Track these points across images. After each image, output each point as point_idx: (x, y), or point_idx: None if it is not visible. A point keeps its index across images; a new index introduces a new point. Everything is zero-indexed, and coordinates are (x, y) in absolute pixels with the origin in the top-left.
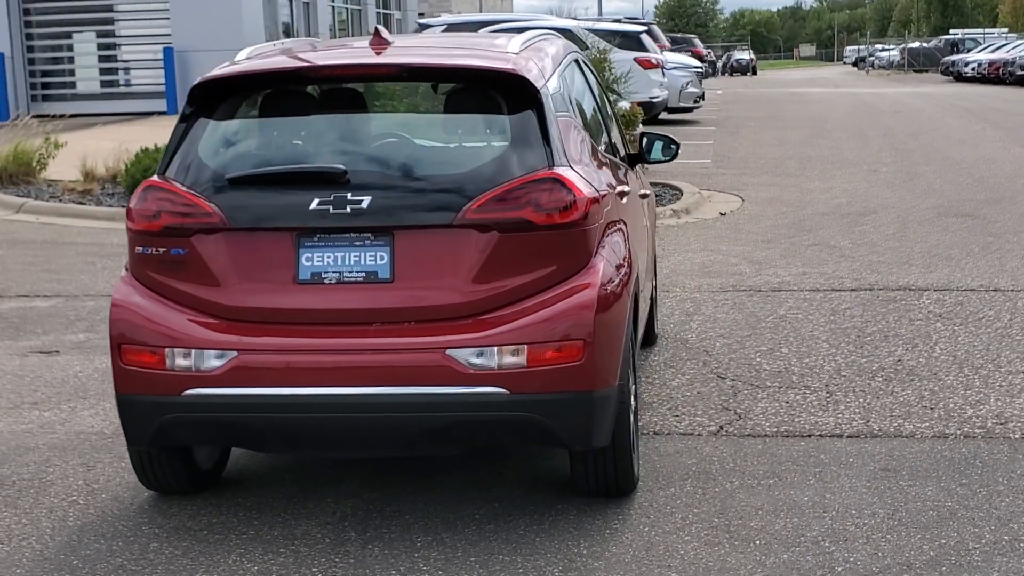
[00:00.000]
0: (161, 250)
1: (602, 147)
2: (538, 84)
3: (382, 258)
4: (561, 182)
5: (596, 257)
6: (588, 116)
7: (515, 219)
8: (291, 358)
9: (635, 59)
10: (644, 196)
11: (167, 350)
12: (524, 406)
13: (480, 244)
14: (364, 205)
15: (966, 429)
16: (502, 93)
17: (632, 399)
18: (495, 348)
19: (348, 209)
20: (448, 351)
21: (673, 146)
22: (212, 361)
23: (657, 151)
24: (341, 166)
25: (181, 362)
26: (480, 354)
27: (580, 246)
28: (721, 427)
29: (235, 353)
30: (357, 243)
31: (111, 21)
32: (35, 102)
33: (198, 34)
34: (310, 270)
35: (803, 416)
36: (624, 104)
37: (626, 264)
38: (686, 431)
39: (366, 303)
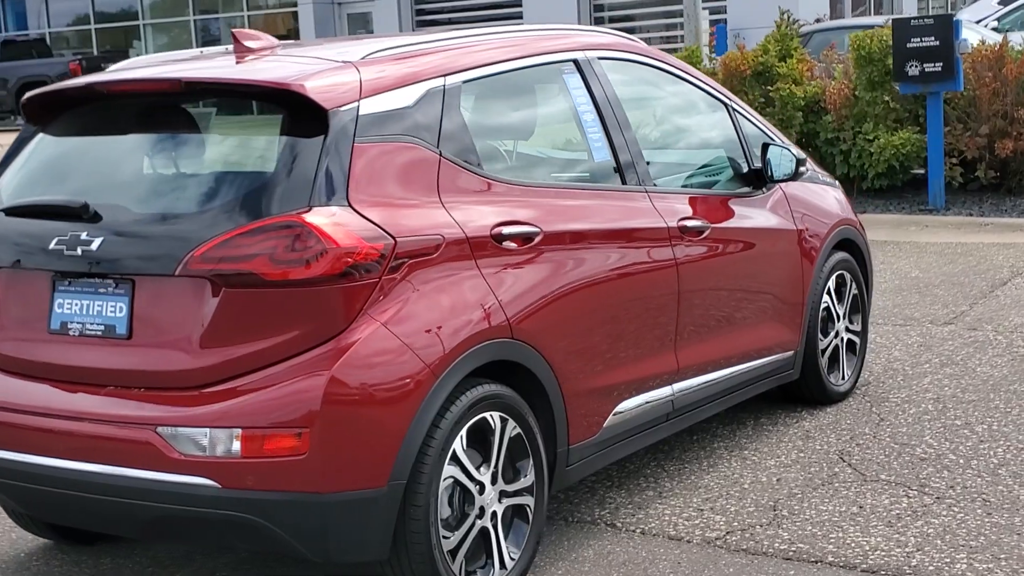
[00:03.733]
0: None
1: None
2: (329, 104)
3: (120, 310)
4: (308, 228)
5: (361, 324)
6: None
7: (241, 272)
8: (19, 418)
9: None
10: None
11: None
12: (238, 504)
13: (209, 300)
14: (94, 247)
15: None
16: (290, 114)
17: (476, 506)
18: (207, 430)
19: (79, 251)
20: (159, 429)
21: (792, 161)
22: None
23: (782, 166)
24: (81, 200)
25: None
26: (191, 436)
27: (331, 309)
28: None
29: None
30: (101, 290)
31: None
32: None
33: None
34: (60, 318)
35: None
36: None
37: (436, 337)
38: None
39: (101, 362)
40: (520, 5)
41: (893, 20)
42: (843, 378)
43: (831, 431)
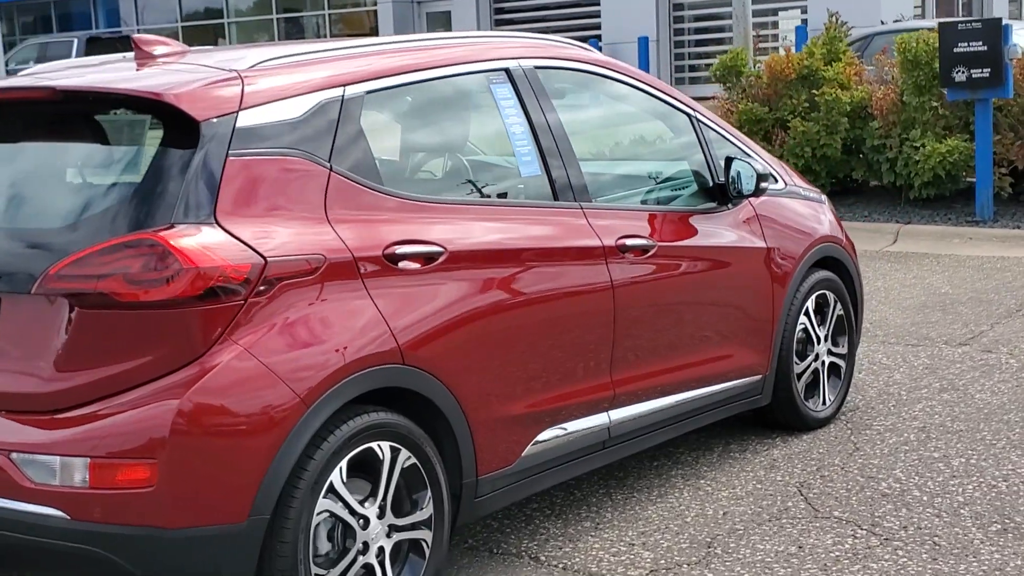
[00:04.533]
0: None
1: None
2: (201, 115)
3: None
4: (164, 247)
5: (221, 350)
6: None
7: (96, 291)
8: None
9: None
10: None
11: None
12: (86, 537)
13: (66, 320)
14: None
15: None
16: (164, 126)
17: (358, 541)
18: (58, 458)
19: None
20: (13, 455)
21: (752, 177)
22: None
23: (743, 181)
24: None
25: None
26: (44, 463)
27: (189, 333)
28: None
29: None
30: None
31: None
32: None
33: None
34: None
35: None
36: None
37: (309, 364)
38: None
39: None
40: (598, 3)
41: (940, 24)
42: (824, 404)
43: (799, 460)
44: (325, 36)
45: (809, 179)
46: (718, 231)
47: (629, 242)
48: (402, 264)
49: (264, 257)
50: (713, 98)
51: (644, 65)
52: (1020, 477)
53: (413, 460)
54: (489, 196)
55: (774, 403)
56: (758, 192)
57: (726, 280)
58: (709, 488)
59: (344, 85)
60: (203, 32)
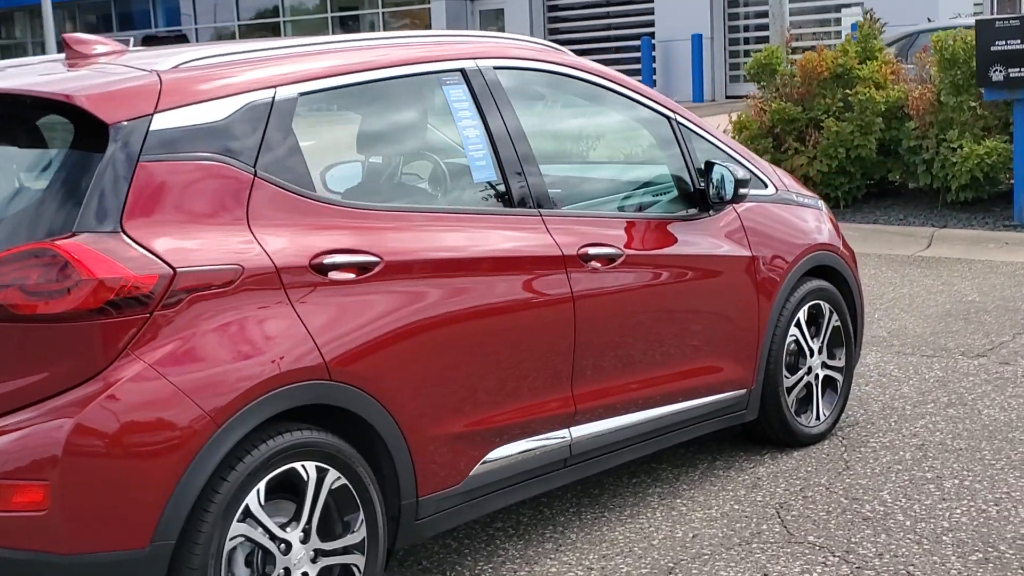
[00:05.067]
0: None
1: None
2: (111, 118)
3: None
4: (63, 257)
5: (123, 365)
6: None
7: None
8: None
9: None
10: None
11: None
12: None
13: None
14: None
15: None
16: (75, 129)
17: (278, 567)
18: None
19: None
20: None
21: (732, 182)
22: None
23: (722, 187)
24: None
25: None
26: None
27: (89, 348)
28: None
29: None
30: None
31: None
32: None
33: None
34: None
35: None
36: None
37: (221, 380)
38: None
39: None
40: (652, 1)
41: (976, 21)
42: (817, 419)
43: (784, 479)
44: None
45: (843, 180)
46: (697, 239)
47: (593, 251)
48: (333, 274)
49: (173, 268)
50: (746, 97)
51: (697, 62)
52: (1013, 500)
53: (343, 481)
54: (436, 203)
55: (762, 418)
56: (737, 198)
57: (705, 290)
58: (684, 508)
59: (276, 86)
60: (260, 31)
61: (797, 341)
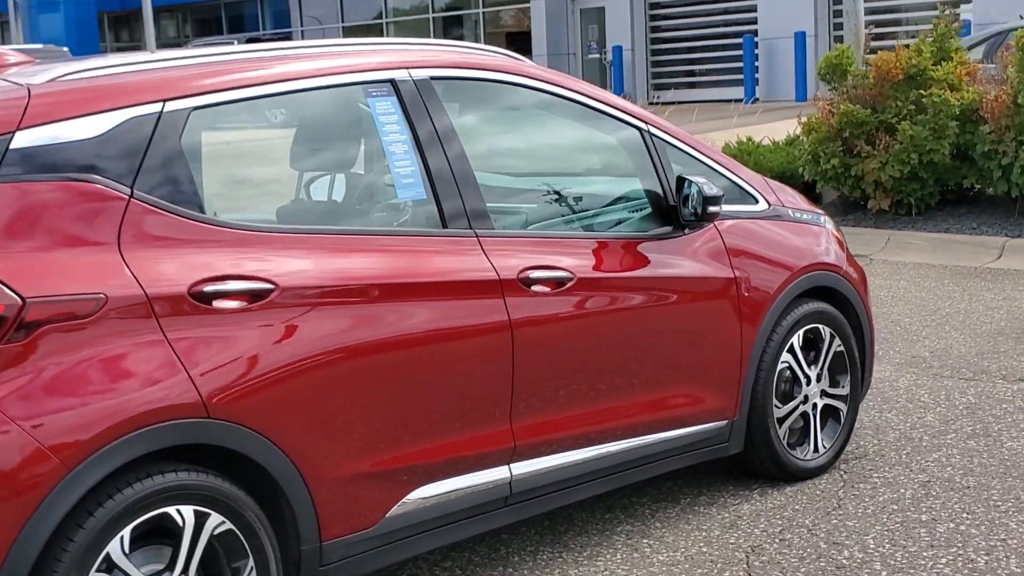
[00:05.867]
0: None
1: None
2: None
3: None
4: None
5: None
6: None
7: None
8: None
9: None
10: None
11: None
12: None
13: None
14: None
15: None
16: None
17: None
18: None
19: None
20: None
21: (697, 200)
22: None
23: (696, 203)
24: None
25: None
26: None
27: None
28: None
29: None
30: None
31: None
32: None
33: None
34: None
35: None
36: None
37: (74, 420)
38: None
39: None
40: None
41: None
42: (816, 451)
43: (765, 518)
44: (481, 33)
45: (916, 187)
46: (667, 260)
47: (536, 274)
48: (218, 303)
49: (22, 297)
50: (816, 99)
51: (800, 61)
52: (1007, 549)
53: (228, 525)
54: (349, 224)
55: (750, 451)
56: (707, 216)
57: (675, 315)
58: (648, 550)
59: (164, 100)
60: (363, 31)
61: (791, 368)
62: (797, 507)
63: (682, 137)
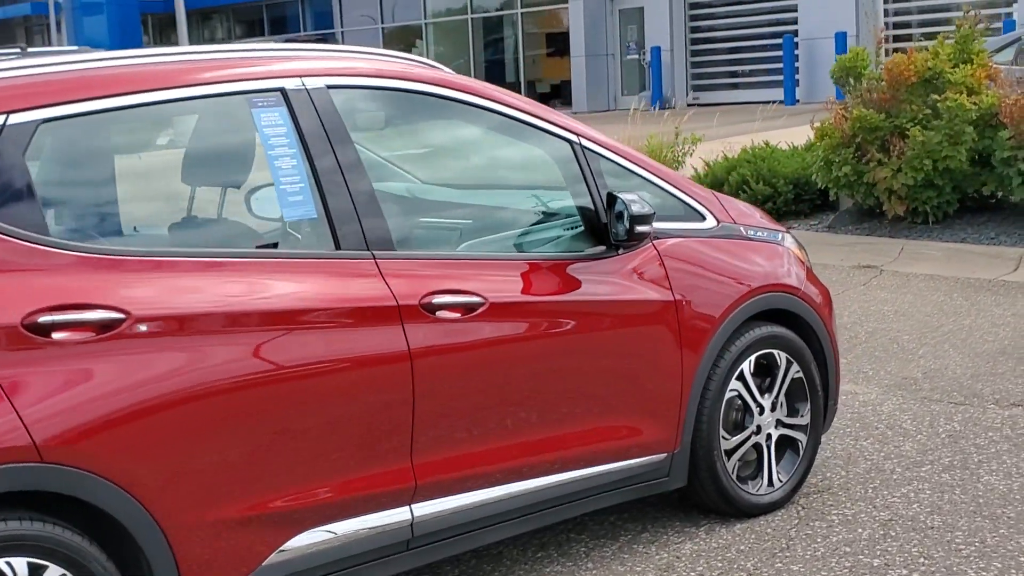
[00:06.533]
0: None
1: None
2: None
3: None
4: None
5: None
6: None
7: None
8: None
9: None
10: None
11: None
12: None
13: None
14: None
15: None
16: None
17: None
18: None
19: None
20: None
21: (625, 219)
22: None
23: (619, 224)
24: None
25: None
26: None
27: None
28: None
29: None
30: None
31: None
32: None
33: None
34: None
35: None
36: None
37: None
38: None
39: None
40: None
41: None
42: (770, 485)
43: (706, 560)
44: (519, 35)
45: (932, 194)
46: (596, 282)
47: (441, 299)
48: (58, 335)
49: None
50: (827, 103)
51: None
52: None
53: None
54: (220, 246)
55: (696, 485)
56: (635, 236)
57: (605, 341)
58: None
59: (7, 112)
60: (402, 33)
61: (741, 396)
62: (742, 547)
63: (619, 151)
